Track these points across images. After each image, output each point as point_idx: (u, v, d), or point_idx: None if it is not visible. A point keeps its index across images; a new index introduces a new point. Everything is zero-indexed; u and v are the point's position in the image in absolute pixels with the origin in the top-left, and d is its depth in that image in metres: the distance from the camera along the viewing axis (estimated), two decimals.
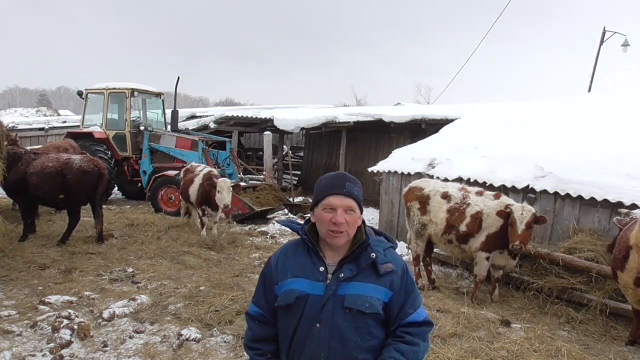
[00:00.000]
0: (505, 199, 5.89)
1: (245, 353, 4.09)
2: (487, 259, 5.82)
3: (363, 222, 1.97)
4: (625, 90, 10.48)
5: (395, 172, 9.15)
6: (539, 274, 6.04)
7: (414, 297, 1.93)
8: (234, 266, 6.80)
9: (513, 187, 7.03)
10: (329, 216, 1.85)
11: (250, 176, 14.14)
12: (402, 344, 1.86)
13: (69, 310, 4.62)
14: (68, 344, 4.07)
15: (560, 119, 8.90)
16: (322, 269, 1.89)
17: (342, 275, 1.86)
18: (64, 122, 21.05)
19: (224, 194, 7.98)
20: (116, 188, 13.52)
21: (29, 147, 9.78)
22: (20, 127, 19.19)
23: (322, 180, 1.96)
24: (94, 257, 6.80)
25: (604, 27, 18.90)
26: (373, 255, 1.87)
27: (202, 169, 8.96)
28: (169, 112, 13.60)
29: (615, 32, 18.87)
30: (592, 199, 6.17)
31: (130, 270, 6.31)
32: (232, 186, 8.33)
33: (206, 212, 8.54)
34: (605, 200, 6.04)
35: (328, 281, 1.86)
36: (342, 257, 1.90)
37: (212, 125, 16.22)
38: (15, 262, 6.29)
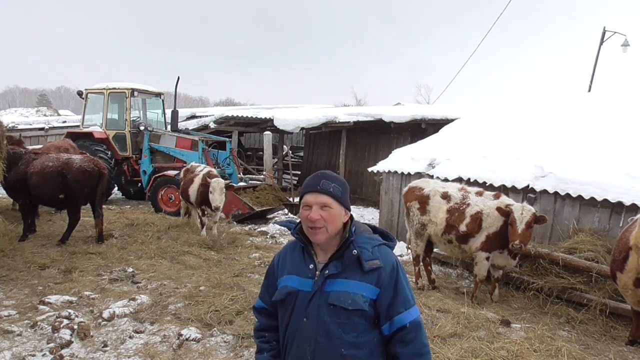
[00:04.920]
0: (505, 199, 5.89)
1: (245, 353, 4.11)
2: (487, 259, 5.82)
3: (352, 219, 2.02)
4: (625, 90, 10.47)
5: (395, 172, 9.15)
6: (539, 274, 6.04)
7: (404, 296, 1.92)
8: (234, 266, 6.80)
9: (513, 187, 7.03)
10: (306, 213, 1.93)
11: (250, 176, 14.14)
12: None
13: (69, 310, 4.62)
14: (68, 344, 4.07)
15: (560, 119, 8.89)
16: (311, 266, 1.97)
17: (327, 272, 1.92)
18: (64, 122, 21.08)
19: (216, 195, 7.98)
20: (116, 188, 13.51)
21: (29, 147, 9.76)
22: (20, 127, 19.22)
23: (305, 180, 2.05)
24: (94, 257, 6.80)
25: (604, 27, 18.90)
26: (355, 252, 1.90)
27: (202, 169, 8.96)
28: (169, 112, 13.60)
29: (615, 32, 18.85)
30: (592, 199, 6.17)
31: (130, 270, 6.31)
32: (227, 186, 8.32)
33: (206, 212, 8.54)
34: (605, 200, 6.04)
35: (316, 278, 1.94)
36: (331, 255, 1.96)
37: (212, 125, 16.22)
38: (15, 262, 6.29)
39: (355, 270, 1.90)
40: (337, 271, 1.91)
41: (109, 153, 12.33)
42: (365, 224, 2.10)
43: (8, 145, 7.66)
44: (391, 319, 1.90)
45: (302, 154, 19.19)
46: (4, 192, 8.94)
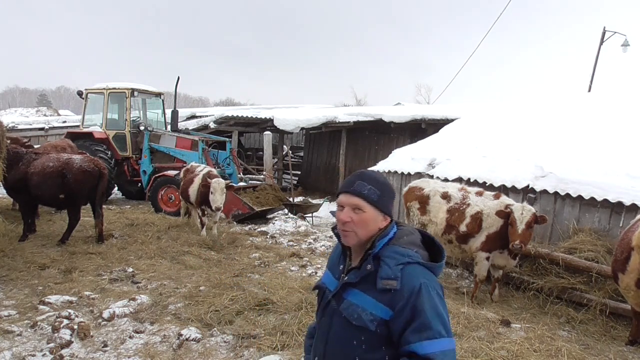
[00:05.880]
0: (505, 199, 5.89)
1: (245, 353, 4.11)
2: (487, 259, 5.82)
3: (391, 225, 1.86)
4: (625, 90, 10.47)
5: (395, 172, 9.15)
6: (539, 274, 6.04)
7: (421, 325, 1.66)
8: (234, 266, 6.79)
9: (513, 187, 7.02)
10: (338, 214, 1.84)
11: (251, 176, 14.14)
12: None
13: (69, 310, 4.62)
14: (68, 344, 4.07)
15: (560, 119, 8.89)
16: (341, 267, 1.91)
17: (346, 278, 1.84)
18: (64, 122, 21.07)
19: (216, 196, 7.97)
20: (116, 188, 13.51)
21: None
22: (20, 127, 19.20)
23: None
24: (94, 257, 6.79)
25: (604, 27, 18.90)
26: (369, 266, 1.77)
27: (202, 169, 8.96)
28: (169, 112, 13.60)
29: (615, 32, 18.86)
30: (592, 199, 6.17)
31: (130, 270, 6.30)
32: (228, 186, 8.32)
33: (206, 212, 8.54)
34: (605, 200, 6.04)
35: (340, 280, 1.88)
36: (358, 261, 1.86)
37: (212, 125, 16.23)
38: (15, 262, 6.28)
39: (372, 285, 1.75)
40: (354, 280, 1.80)
41: (109, 153, 12.33)
42: (422, 232, 1.92)
43: (16, 145, 7.70)
44: (403, 346, 1.68)
45: (302, 154, 19.20)
46: (4, 192, 8.94)
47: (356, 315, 1.75)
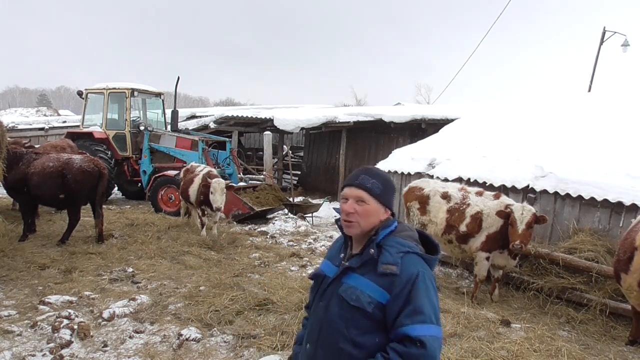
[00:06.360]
0: (505, 199, 5.89)
1: (245, 353, 4.11)
2: (487, 259, 5.82)
3: (393, 219, 1.99)
4: (625, 90, 10.47)
5: (395, 172, 9.15)
6: (539, 274, 6.04)
7: (415, 309, 1.77)
8: (234, 266, 6.79)
9: (513, 187, 7.03)
10: (343, 206, 1.96)
11: (251, 176, 14.15)
12: None
13: (69, 310, 4.62)
14: (68, 344, 4.07)
15: (560, 119, 8.89)
16: (342, 255, 2.02)
17: (347, 263, 1.94)
18: (64, 122, 21.06)
19: (216, 196, 7.97)
20: (116, 188, 13.52)
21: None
22: (20, 127, 19.20)
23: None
24: (94, 257, 6.80)
25: (604, 27, 18.89)
26: (372, 251, 1.89)
27: (202, 169, 8.96)
28: (169, 112, 13.60)
29: (615, 32, 18.85)
30: (592, 199, 6.17)
31: (130, 270, 6.31)
32: (228, 186, 8.32)
33: (206, 212, 8.54)
34: (605, 200, 6.04)
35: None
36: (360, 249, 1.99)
37: (212, 125, 16.23)
38: (15, 262, 6.29)
39: (372, 270, 1.87)
40: (355, 265, 1.91)
41: (109, 153, 12.33)
42: (419, 230, 2.04)
43: (16, 146, 7.70)
44: (395, 329, 1.79)
45: (302, 154, 19.20)
46: (4, 192, 8.94)
47: (355, 296, 1.86)
